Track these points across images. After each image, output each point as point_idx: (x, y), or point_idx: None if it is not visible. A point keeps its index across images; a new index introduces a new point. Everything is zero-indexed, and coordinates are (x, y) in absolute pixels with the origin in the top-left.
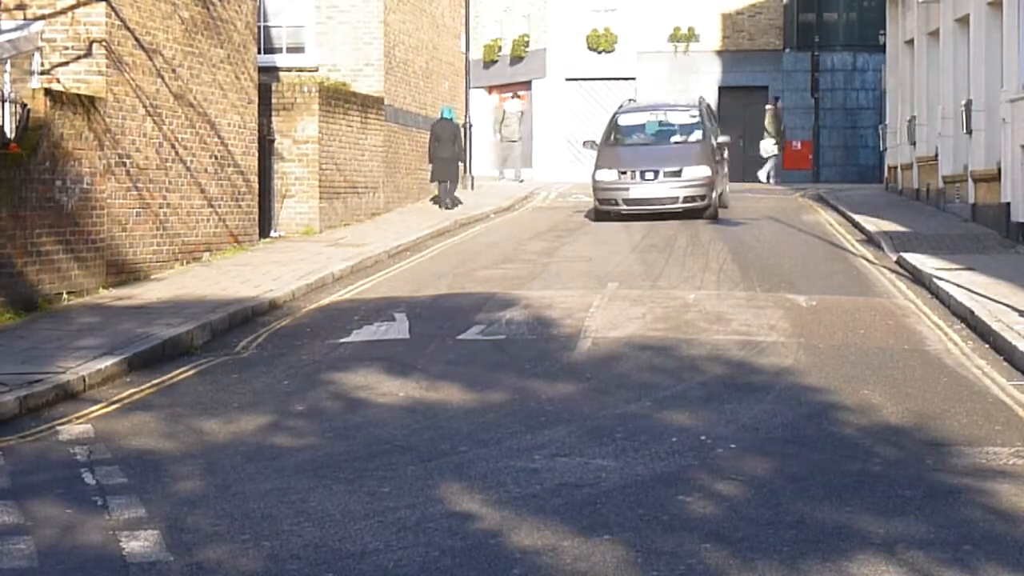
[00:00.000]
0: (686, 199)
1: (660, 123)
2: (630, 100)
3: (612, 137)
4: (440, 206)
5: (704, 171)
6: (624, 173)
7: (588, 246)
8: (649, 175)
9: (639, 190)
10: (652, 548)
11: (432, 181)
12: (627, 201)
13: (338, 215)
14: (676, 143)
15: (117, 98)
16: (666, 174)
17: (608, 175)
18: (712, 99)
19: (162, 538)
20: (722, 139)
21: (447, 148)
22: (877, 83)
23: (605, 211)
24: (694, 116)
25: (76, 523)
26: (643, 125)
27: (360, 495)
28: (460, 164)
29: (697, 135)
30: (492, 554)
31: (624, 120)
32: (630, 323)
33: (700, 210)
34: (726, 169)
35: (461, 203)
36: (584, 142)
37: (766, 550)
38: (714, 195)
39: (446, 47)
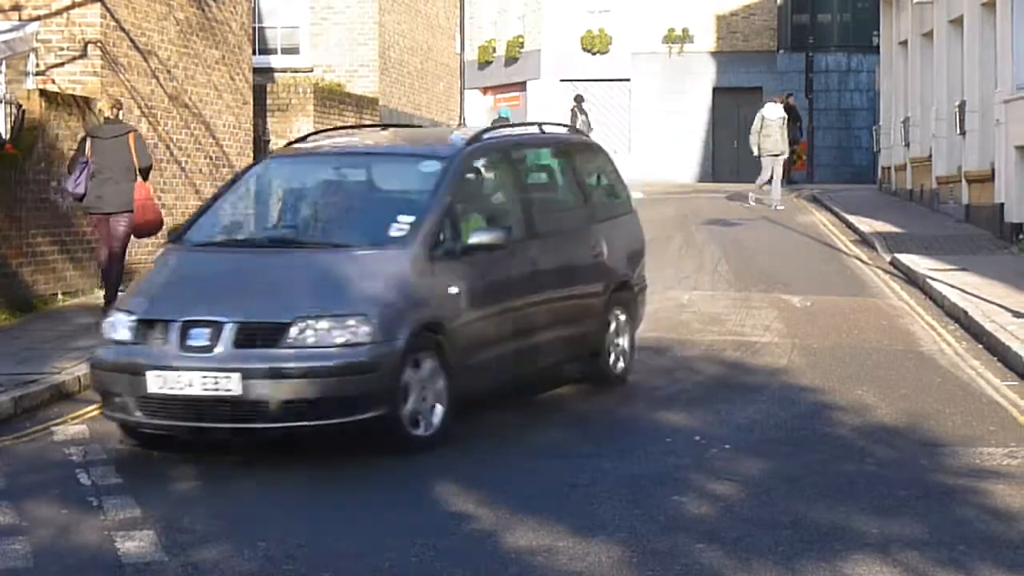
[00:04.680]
0: (286, 408)
1: (339, 187)
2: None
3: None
4: None
5: (360, 329)
6: (151, 327)
7: None
8: (200, 337)
9: (168, 379)
10: (647, 548)
11: None
12: (143, 402)
13: None
14: (331, 250)
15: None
16: (241, 334)
17: (120, 326)
18: (707, 100)
19: (157, 538)
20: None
21: None
22: (871, 84)
23: (111, 417)
24: (431, 174)
25: (71, 524)
26: (301, 191)
27: (357, 494)
28: None
29: (401, 228)
30: (488, 554)
31: (272, 175)
32: None
33: (357, 431)
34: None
35: None
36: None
37: (761, 550)
38: (421, 402)
39: (441, 48)
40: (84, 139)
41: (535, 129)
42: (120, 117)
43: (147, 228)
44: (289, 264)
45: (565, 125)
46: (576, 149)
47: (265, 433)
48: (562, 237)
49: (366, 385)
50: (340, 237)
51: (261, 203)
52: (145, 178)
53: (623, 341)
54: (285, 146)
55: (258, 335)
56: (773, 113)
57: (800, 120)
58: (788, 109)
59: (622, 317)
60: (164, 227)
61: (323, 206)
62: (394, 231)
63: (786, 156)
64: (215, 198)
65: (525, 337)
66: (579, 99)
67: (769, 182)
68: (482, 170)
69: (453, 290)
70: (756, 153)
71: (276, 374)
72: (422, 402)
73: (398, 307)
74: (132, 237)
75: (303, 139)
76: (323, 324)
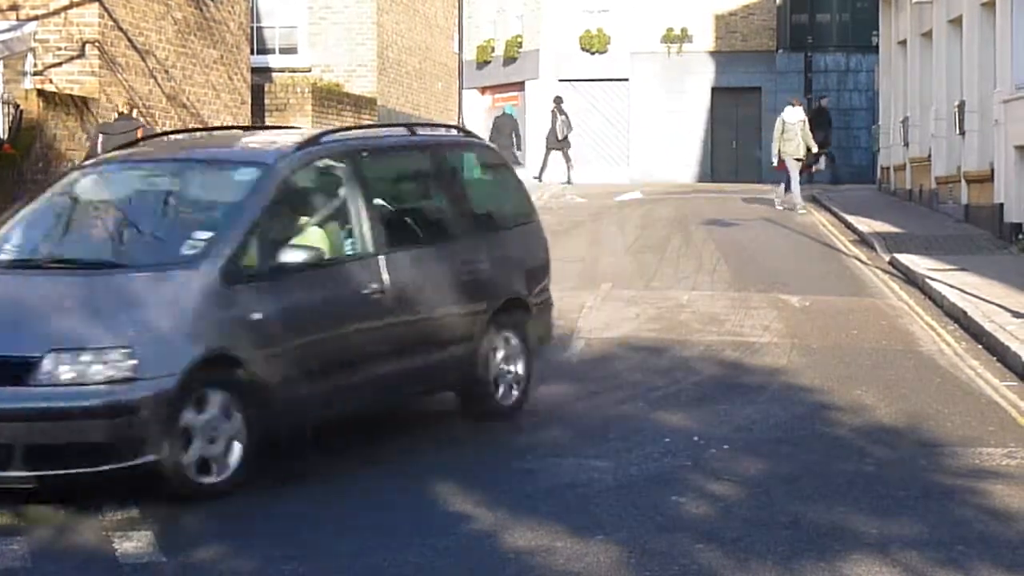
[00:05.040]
0: (31, 455)
1: (143, 199)
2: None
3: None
4: None
5: (124, 364)
6: None
7: (581, 246)
8: None
9: None
10: (646, 548)
11: None
12: None
13: None
14: (106, 272)
15: (110, 99)
16: None
17: None
18: (706, 100)
19: (155, 538)
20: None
21: (507, 139)
22: (870, 84)
23: None
24: (245, 184)
25: (69, 524)
26: (103, 203)
27: (355, 495)
28: (517, 152)
29: (194, 247)
30: (486, 554)
31: (79, 184)
32: (624, 324)
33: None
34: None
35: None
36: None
37: (760, 550)
38: (209, 445)
39: (439, 48)
40: (98, 134)
41: (403, 131)
42: (134, 114)
43: None
44: (55, 288)
45: (453, 126)
46: (454, 153)
47: (14, 481)
48: (425, 251)
49: (127, 429)
50: (121, 257)
51: (55, 217)
52: None
53: (516, 367)
54: (112, 151)
55: (2, 371)
56: (793, 116)
57: (831, 123)
58: (820, 111)
59: (513, 340)
60: None
61: (118, 221)
62: (186, 249)
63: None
64: (11, 212)
65: (363, 367)
66: (558, 100)
67: (788, 187)
68: (317, 178)
69: (256, 316)
70: (775, 162)
71: (17, 416)
72: (210, 445)
73: (174, 338)
74: None
75: (136, 143)
76: (83, 358)
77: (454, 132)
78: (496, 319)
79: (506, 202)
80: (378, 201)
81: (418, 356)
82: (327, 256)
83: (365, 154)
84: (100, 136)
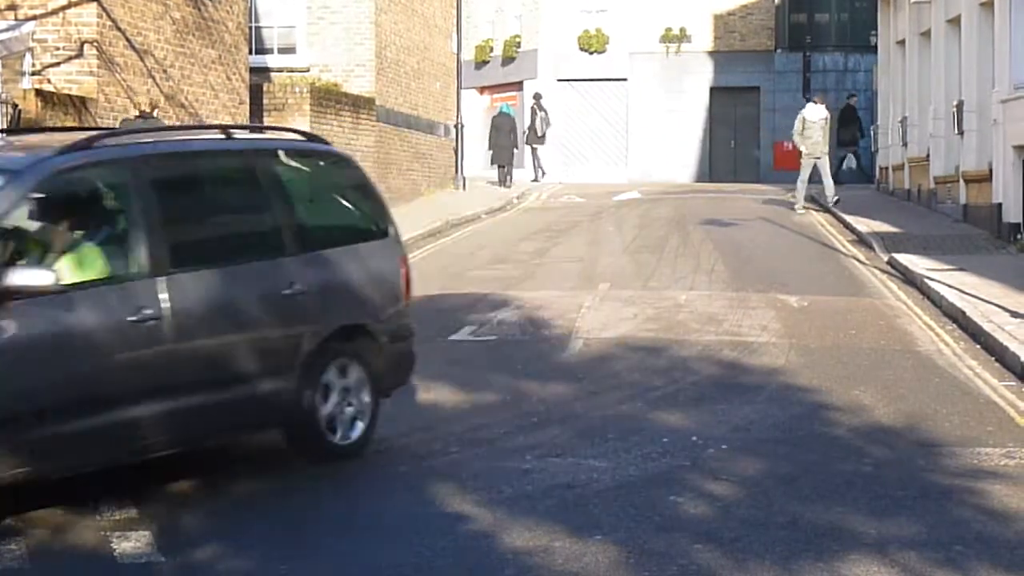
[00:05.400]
0: None
1: None
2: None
3: None
4: (501, 185)
5: None
6: None
7: (580, 247)
8: None
9: None
10: (644, 548)
11: (492, 164)
12: None
13: None
14: None
15: (108, 99)
16: None
17: None
18: (704, 100)
19: (154, 538)
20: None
21: (506, 137)
22: (869, 84)
23: None
24: None
25: (67, 524)
26: None
27: (354, 495)
28: (515, 150)
29: None
30: (484, 554)
31: None
32: (622, 324)
33: None
34: None
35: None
36: None
37: (758, 550)
38: None
39: (437, 48)
40: None
41: (215, 135)
42: (155, 114)
43: None
44: None
45: (293, 130)
46: (279, 160)
47: None
48: (226, 271)
49: None
50: None
51: None
52: None
53: (357, 402)
54: None
55: None
56: (814, 114)
57: (859, 121)
58: (849, 109)
59: (354, 372)
60: None
61: None
62: None
63: (826, 155)
64: None
65: (127, 405)
66: (537, 97)
67: (808, 181)
68: (81, 188)
69: None
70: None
71: None
72: None
73: None
74: None
75: None
76: None
77: (291, 136)
78: (327, 348)
79: (349, 215)
80: (164, 215)
81: (216, 391)
82: (75, 278)
83: (151, 161)
84: None
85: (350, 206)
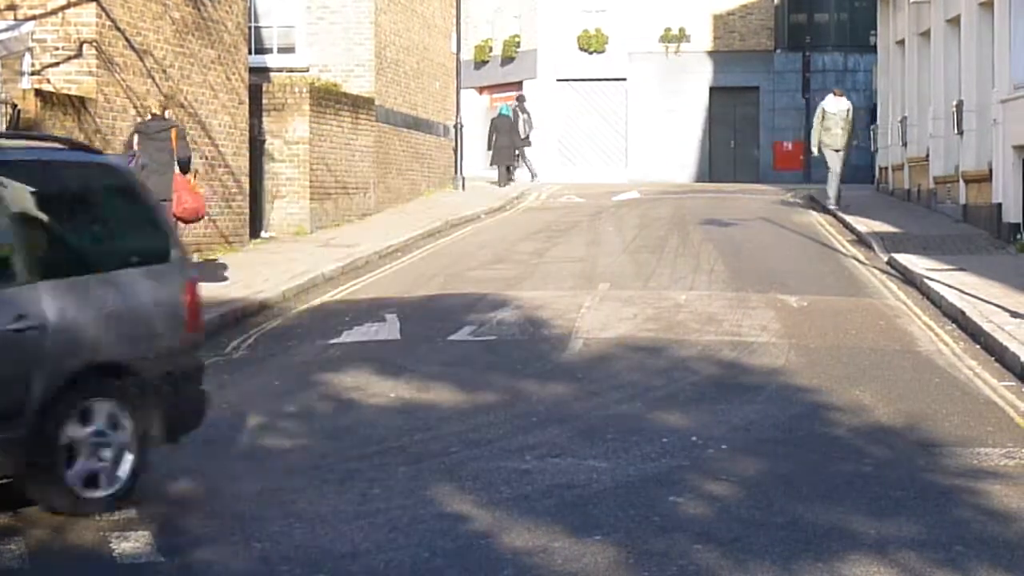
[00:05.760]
0: None
1: None
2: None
3: None
4: (500, 184)
5: None
6: None
7: (580, 247)
8: None
9: None
10: (643, 549)
11: (492, 165)
12: None
13: (329, 216)
14: None
15: (108, 99)
16: None
17: None
18: (704, 99)
19: (153, 539)
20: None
21: (506, 138)
22: (868, 84)
23: None
24: None
25: (67, 524)
26: None
27: (351, 496)
28: (516, 151)
29: None
30: (483, 555)
31: None
32: (621, 324)
33: None
34: None
35: (514, 180)
36: None
37: (758, 551)
38: None
39: (437, 47)
40: (133, 134)
41: None
42: (167, 114)
43: (187, 215)
44: None
45: (47, 137)
46: (18, 174)
47: None
48: None
49: None
50: None
51: None
52: (184, 170)
53: (110, 452)
54: None
55: None
56: (834, 106)
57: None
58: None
59: (106, 418)
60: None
61: None
62: None
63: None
64: None
65: None
66: (520, 99)
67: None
68: None
69: None
70: (815, 152)
71: None
72: None
73: None
74: (179, 224)
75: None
76: None
77: (47, 145)
78: (75, 390)
79: (114, 237)
80: None
81: None
82: None
83: None
84: (136, 136)
85: (117, 226)
